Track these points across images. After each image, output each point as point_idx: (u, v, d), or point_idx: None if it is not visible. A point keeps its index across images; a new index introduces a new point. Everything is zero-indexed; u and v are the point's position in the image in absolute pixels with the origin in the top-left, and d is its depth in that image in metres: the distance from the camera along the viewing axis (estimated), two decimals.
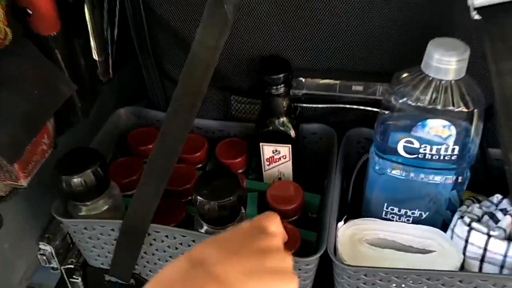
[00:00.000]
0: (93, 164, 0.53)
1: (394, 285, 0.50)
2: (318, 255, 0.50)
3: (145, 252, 0.56)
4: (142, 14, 0.59)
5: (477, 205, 0.53)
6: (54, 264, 0.63)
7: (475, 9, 0.41)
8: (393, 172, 0.53)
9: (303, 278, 0.53)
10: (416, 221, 0.55)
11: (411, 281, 0.49)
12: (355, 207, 0.59)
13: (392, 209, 0.55)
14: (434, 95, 0.47)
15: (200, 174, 0.54)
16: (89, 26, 0.58)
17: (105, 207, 0.56)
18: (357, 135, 0.63)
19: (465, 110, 0.47)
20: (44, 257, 0.63)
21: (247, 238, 0.38)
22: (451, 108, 0.47)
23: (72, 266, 0.62)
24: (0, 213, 0.55)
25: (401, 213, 0.55)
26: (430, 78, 0.47)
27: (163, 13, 0.58)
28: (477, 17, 0.41)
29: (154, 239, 0.54)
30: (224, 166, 0.55)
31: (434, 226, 0.54)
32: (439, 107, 0.47)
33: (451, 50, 0.46)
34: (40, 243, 0.62)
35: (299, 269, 0.51)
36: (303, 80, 0.60)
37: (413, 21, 0.53)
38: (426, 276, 0.48)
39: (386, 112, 0.51)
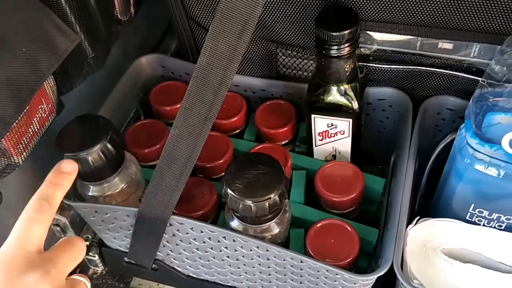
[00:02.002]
0: (102, 138, 0.42)
1: None
2: (381, 273, 0.39)
3: (167, 241, 0.46)
4: None
5: None
6: (70, 234, 0.56)
7: None
8: (489, 169, 0.39)
9: None
10: (508, 229, 0.42)
11: None
12: (427, 201, 0.47)
13: (481, 212, 0.43)
14: None
15: (234, 160, 0.42)
16: None
17: (122, 185, 0.46)
18: (439, 104, 0.49)
19: None
20: (58, 228, 0.55)
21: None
22: None
23: (88, 243, 0.54)
24: None
25: (492, 217, 0.42)
26: None
27: None
28: None
29: (178, 230, 0.44)
30: (263, 153, 0.43)
31: None
32: None
33: None
34: None
35: (355, 283, 0.41)
36: (374, 34, 0.45)
37: None
38: None
39: (490, 85, 0.37)
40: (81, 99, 0.53)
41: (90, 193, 0.46)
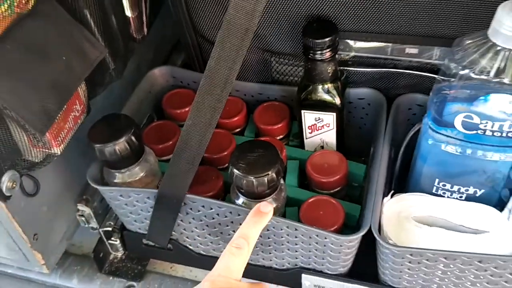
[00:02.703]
0: (127, 131, 0.51)
1: (442, 265, 0.47)
2: (362, 233, 0.47)
3: (181, 220, 0.54)
4: None
5: None
6: (93, 224, 0.63)
7: None
8: (448, 147, 0.48)
9: (345, 254, 0.50)
10: (470, 198, 0.51)
11: (460, 263, 0.46)
12: (403, 180, 0.55)
13: (444, 185, 0.51)
14: (501, 67, 0.41)
15: (237, 146, 0.51)
16: None
17: (141, 174, 0.55)
18: (409, 101, 0.58)
19: None
20: (83, 218, 0.63)
21: None
22: None
23: (110, 229, 0.62)
24: (37, 178, 0.55)
25: (453, 189, 0.51)
26: (498, 48, 0.41)
27: None
28: None
29: (191, 209, 0.52)
30: (261, 140, 0.51)
31: (489, 205, 0.50)
32: (506, 80, 0.42)
33: None
34: (78, 204, 0.61)
35: (341, 245, 0.49)
36: (352, 42, 0.55)
37: None
38: (477, 259, 0.45)
39: (444, 80, 0.46)
40: (103, 106, 0.62)
41: (115, 180, 0.54)
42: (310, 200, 0.53)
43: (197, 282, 0.61)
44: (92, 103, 0.57)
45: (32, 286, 0.64)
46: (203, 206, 0.52)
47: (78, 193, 0.62)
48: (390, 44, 0.54)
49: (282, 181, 0.52)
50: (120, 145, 0.51)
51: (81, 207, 0.62)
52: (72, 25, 0.50)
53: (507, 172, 0.49)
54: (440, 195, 0.52)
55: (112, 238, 0.62)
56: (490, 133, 0.45)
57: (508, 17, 0.40)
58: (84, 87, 0.54)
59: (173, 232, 0.57)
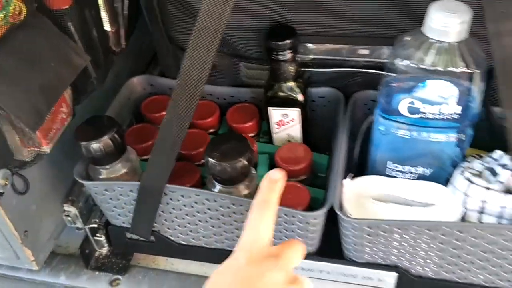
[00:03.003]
0: (110, 130, 0.56)
1: (397, 236, 0.53)
2: (325, 209, 0.53)
3: (162, 211, 0.59)
4: None
5: (478, 160, 0.55)
6: (79, 224, 0.67)
7: None
8: (397, 132, 0.55)
9: (311, 232, 0.56)
10: (420, 178, 0.57)
11: (413, 232, 0.52)
12: (362, 166, 0.62)
13: (396, 167, 0.58)
14: (435, 57, 0.49)
15: (212, 138, 0.57)
16: None
17: (123, 170, 0.60)
18: (364, 97, 0.64)
19: (466, 71, 0.48)
20: (69, 218, 0.67)
21: (248, 283, 0.39)
22: (452, 69, 0.49)
23: (96, 226, 0.66)
24: (26, 177, 0.59)
25: (404, 170, 0.58)
26: (432, 41, 0.48)
27: None
28: None
29: (171, 199, 0.57)
30: (234, 131, 0.57)
31: (438, 183, 0.56)
32: (440, 68, 0.49)
33: (452, 13, 0.47)
34: (65, 205, 0.66)
35: (307, 223, 0.54)
36: (311, 45, 0.62)
37: None
38: (426, 227, 0.51)
39: (390, 74, 0.53)
40: (86, 111, 0.67)
41: (100, 176, 0.59)
42: None
43: (179, 274, 0.67)
44: (76, 109, 0.62)
45: (22, 284, 0.67)
46: (182, 196, 0.57)
47: (64, 194, 0.66)
48: (344, 46, 0.61)
49: (253, 171, 0.58)
50: (104, 141, 0.56)
51: (67, 207, 0.66)
52: (58, 36, 0.55)
53: (451, 152, 0.56)
54: (393, 176, 0.58)
55: (97, 235, 0.67)
56: (432, 116, 0.52)
57: (437, 14, 0.47)
58: (70, 92, 0.59)
59: (155, 224, 0.61)
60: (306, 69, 0.63)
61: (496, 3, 0.42)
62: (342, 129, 0.61)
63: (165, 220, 0.61)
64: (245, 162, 0.53)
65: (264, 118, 0.67)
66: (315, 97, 0.66)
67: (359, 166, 0.62)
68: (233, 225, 0.58)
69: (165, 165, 0.54)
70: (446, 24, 0.47)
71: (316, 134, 0.68)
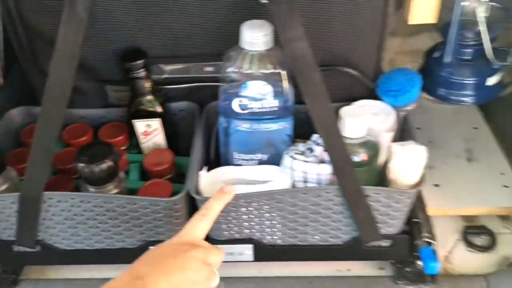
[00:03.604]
0: None
1: (244, 209, 0.65)
2: (181, 194, 0.64)
3: (44, 219, 0.67)
4: (19, 25, 0.71)
5: (302, 144, 0.69)
6: None
7: None
8: (238, 127, 0.68)
9: (176, 218, 0.66)
10: (260, 163, 0.71)
11: (255, 204, 0.65)
12: (219, 161, 0.74)
13: (241, 156, 0.71)
14: (250, 63, 0.63)
15: (80, 147, 0.66)
16: None
17: (4, 186, 0.67)
18: (214, 107, 0.77)
19: (274, 71, 0.63)
20: None
21: (175, 255, 0.51)
22: (264, 71, 0.63)
23: None
24: None
25: (247, 158, 0.71)
26: (246, 51, 0.63)
27: (37, 23, 0.69)
28: (264, 1, 0.57)
29: (50, 205, 0.65)
30: (100, 141, 0.68)
31: (275, 165, 0.70)
32: (255, 71, 0.63)
33: (257, 28, 0.62)
34: None
35: (171, 209, 0.65)
36: (163, 66, 0.74)
37: (237, 8, 0.69)
38: (264, 196, 0.64)
39: (224, 83, 0.67)
40: None
41: None
42: (146, 184, 0.69)
43: (67, 280, 0.74)
44: None
45: None
46: (59, 201, 0.65)
47: None
48: (191, 65, 0.74)
49: (123, 174, 0.68)
50: None
51: None
52: None
53: (282, 139, 0.69)
54: (240, 165, 0.71)
55: None
56: (259, 110, 0.66)
57: (247, 31, 0.62)
58: None
59: (39, 233, 0.68)
60: (163, 87, 0.75)
61: (281, 16, 0.57)
62: (197, 134, 0.73)
63: (47, 227, 0.68)
64: (111, 163, 0.63)
65: (133, 133, 0.78)
66: (176, 111, 0.79)
67: (216, 161, 0.74)
68: (108, 223, 0.67)
69: (40, 174, 0.63)
70: (253, 37, 0.61)
71: (181, 141, 0.79)
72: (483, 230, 0.79)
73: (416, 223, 0.71)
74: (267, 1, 0.57)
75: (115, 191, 0.66)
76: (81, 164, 0.62)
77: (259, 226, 0.68)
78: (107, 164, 0.63)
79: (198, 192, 0.66)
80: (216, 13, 0.69)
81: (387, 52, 0.93)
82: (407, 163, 0.63)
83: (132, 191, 0.70)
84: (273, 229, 0.69)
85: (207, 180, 0.68)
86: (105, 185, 0.65)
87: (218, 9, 0.69)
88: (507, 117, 0.93)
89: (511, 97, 0.95)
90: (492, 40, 0.70)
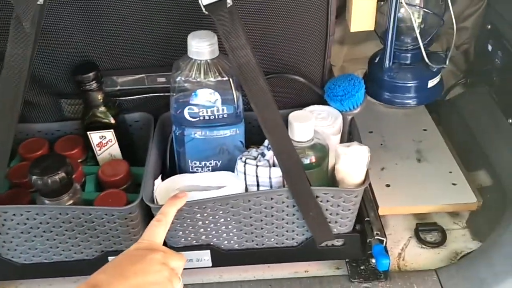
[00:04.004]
0: None
1: (199, 215, 0.67)
2: (136, 203, 0.65)
3: (0, 233, 0.67)
4: None
5: (255, 149, 0.71)
6: None
7: (204, 6, 0.59)
8: (191, 135, 0.70)
9: (132, 226, 0.67)
10: (214, 169, 0.72)
11: (209, 209, 0.66)
12: (174, 170, 0.76)
13: (195, 163, 0.72)
14: (197, 72, 0.65)
15: (33, 160, 0.67)
16: None
17: None
18: (169, 116, 0.79)
19: (221, 79, 0.65)
20: None
21: (133, 260, 0.52)
22: (211, 79, 0.65)
23: None
24: None
25: (202, 165, 0.72)
26: (194, 60, 0.65)
27: None
28: (206, 12, 0.59)
29: (5, 219, 0.66)
30: (53, 153, 0.69)
31: (229, 170, 0.71)
32: (203, 80, 0.65)
33: (202, 38, 0.64)
34: None
35: (126, 218, 0.66)
36: (116, 78, 0.75)
37: (184, 20, 0.71)
38: (218, 201, 0.65)
39: (174, 93, 0.68)
40: None
41: None
42: (101, 194, 0.70)
43: None
44: None
45: None
46: (14, 214, 0.65)
47: None
48: (143, 76, 0.76)
49: (77, 185, 0.69)
50: None
51: None
52: None
53: (234, 144, 0.71)
54: (195, 172, 0.73)
55: None
56: (209, 117, 0.68)
57: (193, 41, 0.64)
58: None
59: None
60: (116, 98, 0.77)
61: (223, 25, 0.59)
62: (152, 144, 0.74)
63: (4, 241, 0.68)
64: (64, 174, 0.64)
65: (89, 146, 0.78)
66: (131, 122, 0.80)
67: (172, 170, 0.76)
68: (65, 235, 0.68)
69: None
70: (199, 47, 0.64)
71: (138, 151, 0.80)
72: (434, 227, 0.82)
73: (368, 222, 0.74)
74: (207, 13, 0.59)
75: (70, 202, 0.66)
76: (35, 177, 0.63)
77: (215, 232, 0.70)
78: (60, 175, 0.64)
79: (153, 201, 0.67)
80: (164, 25, 0.71)
81: (337, 59, 0.97)
82: (352, 163, 0.66)
83: (89, 202, 0.70)
84: (230, 234, 0.70)
85: (162, 188, 0.69)
86: (60, 197, 0.65)
87: (166, 21, 0.71)
88: (454, 119, 0.97)
89: (457, 99, 1.00)
90: (428, 44, 0.74)
